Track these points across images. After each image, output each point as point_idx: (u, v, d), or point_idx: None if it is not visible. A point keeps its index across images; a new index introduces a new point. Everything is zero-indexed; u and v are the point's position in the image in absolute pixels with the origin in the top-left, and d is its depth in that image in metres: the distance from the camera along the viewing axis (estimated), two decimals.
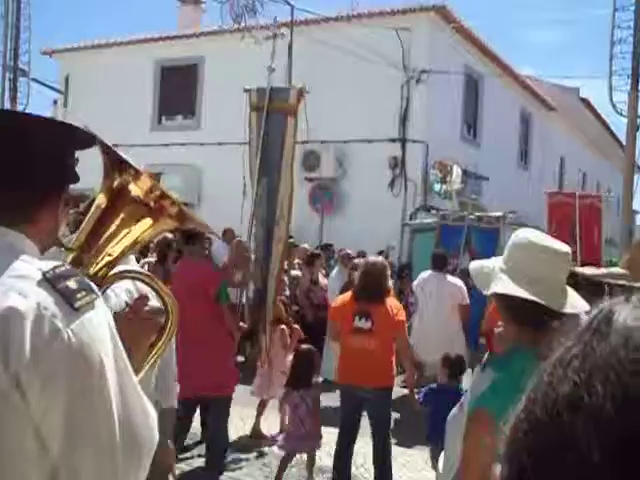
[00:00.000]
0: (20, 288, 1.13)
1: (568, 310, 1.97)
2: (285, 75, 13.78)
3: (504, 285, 1.97)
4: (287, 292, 8.57)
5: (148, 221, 1.49)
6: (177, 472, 5.56)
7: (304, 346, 5.56)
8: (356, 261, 8.75)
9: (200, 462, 5.65)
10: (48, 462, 1.14)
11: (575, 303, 2.01)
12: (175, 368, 3.12)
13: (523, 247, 2.04)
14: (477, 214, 9.88)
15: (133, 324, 1.43)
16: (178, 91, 17.34)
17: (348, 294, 5.27)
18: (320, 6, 27.48)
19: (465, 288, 7.43)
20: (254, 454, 6.05)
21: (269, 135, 6.02)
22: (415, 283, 7.98)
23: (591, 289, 4.96)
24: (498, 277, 2.01)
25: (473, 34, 15.96)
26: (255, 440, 6.35)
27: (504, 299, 2.00)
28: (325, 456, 6.08)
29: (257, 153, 5.99)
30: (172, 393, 3.09)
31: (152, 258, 7.32)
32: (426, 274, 7.89)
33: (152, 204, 1.47)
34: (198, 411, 5.93)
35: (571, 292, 2.04)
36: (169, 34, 17.76)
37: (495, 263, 2.09)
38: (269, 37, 7.27)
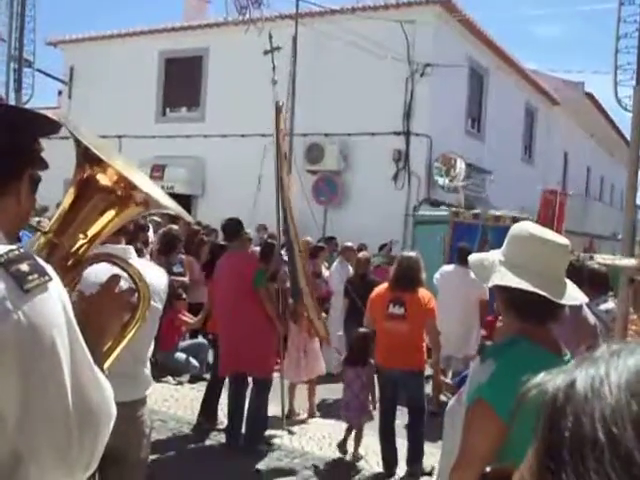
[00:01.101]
0: None
1: (568, 302, 1.99)
2: (290, 67, 13.77)
3: (505, 277, 1.98)
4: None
5: (119, 207, 1.55)
6: (213, 446, 5.71)
7: (361, 329, 6.03)
8: (360, 255, 8.84)
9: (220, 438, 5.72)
10: (7, 438, 1.19)
11: (574, 295, 2.02)
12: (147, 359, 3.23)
13: (523, 239, 2.05)
14: (493, 213, 9.87)
15: (104, 302, 1.48)
16: (183, 83, 17.33)
17: (384, 285, 5.81)
18: None
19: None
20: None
21: (279, 146, 6.44)
22: (437, 275, 7.99)
23: (595, 283, 4.99)
24: (497, 270, 2.03)
25: (478, 27, 15.90)
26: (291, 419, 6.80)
27: (504, 291, 2.01)
28: (326, 446, 6.13)
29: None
30: (144, 384, 3.16)
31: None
32: (450, 267, 7.94)
33: (120, 192, 1.53)
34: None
35: (570, 284, 2.06)
36: (174, 25, 17.74)
37: (495, 256, 2.10)
38: (267, 51, 7.51)
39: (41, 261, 1.24)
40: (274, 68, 7.07)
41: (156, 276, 3.05)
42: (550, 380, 0.55)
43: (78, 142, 1.53)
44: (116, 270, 1.61)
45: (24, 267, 1.19)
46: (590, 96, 21.80)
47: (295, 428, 6.54)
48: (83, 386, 1.23)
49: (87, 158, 1.53)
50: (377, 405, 5.87)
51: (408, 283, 5.47)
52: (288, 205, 6.22)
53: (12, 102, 12.23)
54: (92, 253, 1.58)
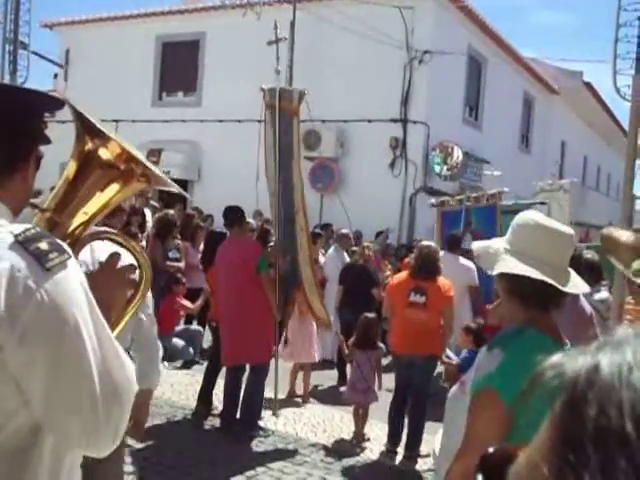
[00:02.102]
0: None
1: (572, 290, 2.00)
2: (288, 53, 13.69)
3: (512, 265, 1.98)
4: None
5: (119, 183, 1.54)
6: (208, 431, 5.73)
7: (369, 315, 6.19)
8: (365, 245, 8.90)
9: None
10: (30, 417, 1.20)
11: (578, 283, 2.04)
12: (158, 351, 3.15)
13: (529, 228, 2.05)
14: (473, 195, 9.86)
15: (108, 280, 1.47)
16: (179, 67, 17.23)
17: (403, 274, 5.98)
18: None
19: (475, 270, 7.55)
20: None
21: (280, 133, 6.36)
22: None
23: (590, 273, 4.99)
24: (502, 258, 2.02)
25: (477, 15, 15.82)
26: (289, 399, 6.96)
27: (509, 279, 2.01)
28: (320, 432, 6.15)
29: (274, 149, 6.38)
30: (156, 375, 3.12)
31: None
32: (440, 254, 7.97)
33: (122, 167, 1.51)
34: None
35: (573, 273, 2.07)
36: (171, 9, 17.61)
37: (499, 244, 2.10)
38: (272, 42, 7.52)
39: (57, 239, 1.25)
40: (278, 58, 7.08)
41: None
42: (569, 361, 0.50)
43: (80, 116, 1.51)
44: (116, 247, 1.61)
45: (44, 245, 1.19)
46: (588, 85, 21.76)
47: (289, 414, 6.56)
48: (107, 361, 1.23)
49: (88, 132, 1.51)
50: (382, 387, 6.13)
51: (429, 272, 5.62)
52: (300, 193, 6.24)
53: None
54: (90, 231, 1.57)
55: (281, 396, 6.79)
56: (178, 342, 8.22)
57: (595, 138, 27.27)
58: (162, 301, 8.38)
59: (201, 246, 8.93)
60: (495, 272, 2.03)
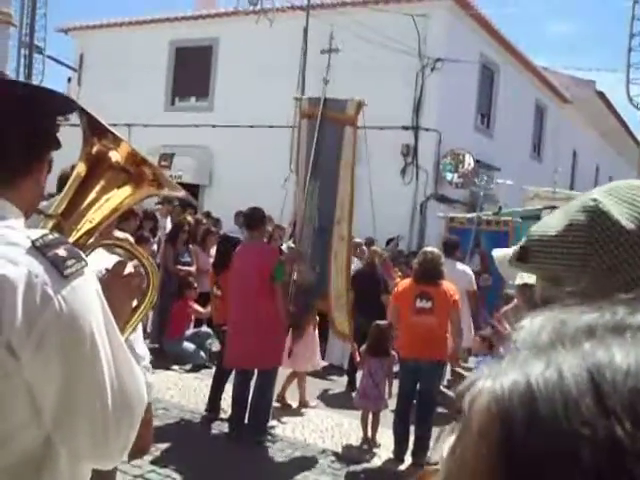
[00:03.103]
0: (10, 256, 1.14)
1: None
2: (301, 60, 13.75)
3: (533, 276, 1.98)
4: None
5: (128, 187, 1.49)
6: (216, 435, 5.73)
7: (382, 322, 6.18)
8: (379, 251, 8.92)
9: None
10: (42, 428, 1.18)
11: None
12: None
13: None
14: (484, 217, 9.82)
15: (115, 287, 1.45)
16: (192, 72, 17.32)
17: (407, 280, 6.00)
18: None
19: (473, 275, 7.59)
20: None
21: (321, 142, 6.30)
22: None
23: None
24: None
25: (489, 23, 15.82)
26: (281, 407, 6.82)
27: (530, 289, 2.01)
28: (329, 438, 6.14)
29: (308, 158, 6.32)
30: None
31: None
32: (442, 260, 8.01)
33: (132, 170, 1.48)
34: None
35: None
36: (185, 15, 17.72)
37: None
38: (325, 51, 7.54)
39: (74, 246, 1.23)
40: (328, 66, 7.10)
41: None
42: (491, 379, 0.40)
43: (89, 117, 1.48)
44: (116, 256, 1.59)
45: (61, 252, 1.18)
46: (601, 94, 21.68)
47: (298, 420, 6.56)
48: (119, 371, 1.22)
49: (97, 135, 1.48)
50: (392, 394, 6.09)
51: (433, 277, 5.66)
52: (348, 202, 6.16)
53: None
54: (97, 237, 1.54)
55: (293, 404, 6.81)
56: (189, 346, 8.24)
57: (607, 148, 27.15)
58: (174, 305, 8.42)
59: (212, 250, 8.96)
60: (517, 282, 2.01)
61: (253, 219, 6.07)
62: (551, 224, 0.96)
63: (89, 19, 19.30)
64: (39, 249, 1.16)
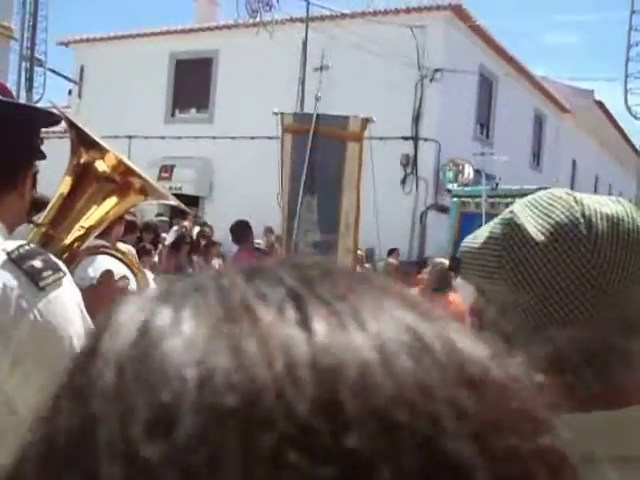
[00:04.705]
0: None
1: None
2: (300, 72, 13.81)
3: None
4: None
5: (116, 196, 1.50)
6: None
7: None
8: (391, 261, 8.92)
9: None
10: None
11: None
12: None
13: None
14: (489, 200, 9.80)
15: (105, 296, 1.44)
16: (192, 84, 17.38)
17: (415, 290, 6.04)
18: (335, 2, 27.39)
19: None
20: None
21: (316, 157, 6.31)
22: None
23: None
24: None
25: (488, 34, 15.90)
26: None
27: None
28: None
29: (297, 173, 6.35)
30: None
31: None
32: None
33: (119, 179, 1.48)
34: None
35: None
36: (184, 27, 17.81)
37: None
38: (317, 68, 7.58)
39: (52, 256, 1.21)
40: (320, 82, 7.13)
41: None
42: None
43: (76, 128, 1.49)
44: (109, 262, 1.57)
45: (37, 263, 1.15)
46: (600, 104, 21.75)
47: None
48: None
49: (84, 145, 1.49)
50: None
51: (442, 288, 5.80)
52: (354, 216, 6.19)
53: (23, 101, 12.29)
54: (87, 245, 1.54)
55: None
56: None
57: (606, 157, 27.19)
58: None
59: (214, 261, 8.96)
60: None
61: (238, 232, 6.26)
62: (479, 235, 0.95)
63: (89, 32, 19.42)
64: (14, 261, 1.14)
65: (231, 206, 13.65)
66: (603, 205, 0.87)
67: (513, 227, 0.88)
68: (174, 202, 1.67)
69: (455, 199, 9.74)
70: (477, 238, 0.95)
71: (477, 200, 9.86)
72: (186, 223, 9.12)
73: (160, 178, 15.77)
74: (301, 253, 6.43)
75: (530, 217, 0.88)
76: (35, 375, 1.13)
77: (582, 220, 0.85)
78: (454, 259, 0.99)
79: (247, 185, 14.65)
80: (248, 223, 6.30)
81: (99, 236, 2.31)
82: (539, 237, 0.85)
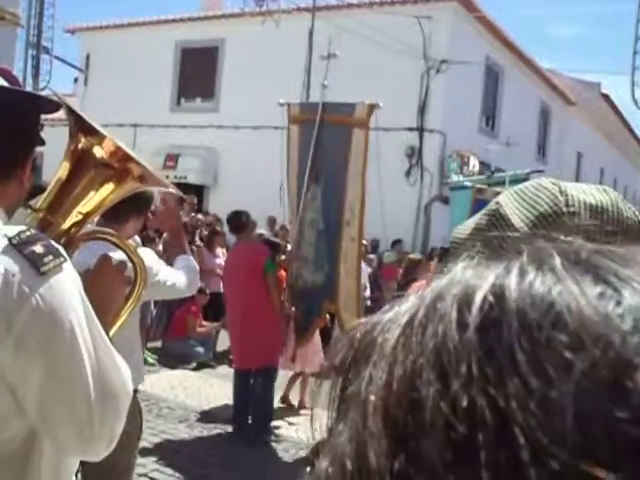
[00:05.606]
0: None
1: None
2: (306, 61, 13.78)
3: None
4: None
5: (114, 182, 1.51)
6: (220, 434, 5.77)
7: None
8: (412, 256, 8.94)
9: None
10: (25, 422, 1.19)
11: None
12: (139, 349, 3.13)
13: None
14: (495, 190, 9.76)
15: (103, 279, 1.45)
16: (198, 73, 17.36)
17: (422, 282, 5.80)
18: None
19: None
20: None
21: (322, 146, 6.30)
22: None
23: None
24: None
25: (495, 25, 15.83)
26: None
27: None
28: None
29: (303, 163, 6.33)
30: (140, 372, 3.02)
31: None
32: None
33: (117, 166, 1.50)
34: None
35: None
36: (190, 16, 17.77)
37: None
38: (324, 57, 7.57)
39: (53, 242, 1.22)
40: (327, 71, 7.13)
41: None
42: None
43: (74, 114, 1.50)
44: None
45: (38, 249, 1.16)
46: (606, 97, 21.67)
47: (302, 420, 6.58)
48: (102, 366, 1.22)
49: (82, 130, 1.50)
50: None
51: None
52: (358, 205, 6.14)
53: (29, 88, 12.30)
54: (85, 231, 1.55)
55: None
56: (194, 345, 8.27)
57: (612, 150, 27.11)
58: (179, 307, 8.40)
59: (218, 250, 8.99)
60: None
61: (234, 223, 6.22)
62: (467, 226, 0.95)
63: (96, 20, 19.41)
64: (16, 246, 1.15)
65: (235, 195, 13.67)
66: (588, 195, 0.87)
67: (498, 218, 0.89)
68: (173, 189, 1.68)
69: (467, 188, 9.71)
70: (463, 229, 0.95)
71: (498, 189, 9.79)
72: (200, 215, 9.14)
73: (165, 167, 15.79)
74: (306, 241, 6.45)
75: (515, 208, 0.89)
76: (36, 359, 1.15)
77: (565, 210, 0.85)
78: (443, 249, 1.00)
79: (252, 175, 14.66)
80: (247, 213, 6.26)
81: (111, 225, 2.32)
82: (522, 228, 0.85)
